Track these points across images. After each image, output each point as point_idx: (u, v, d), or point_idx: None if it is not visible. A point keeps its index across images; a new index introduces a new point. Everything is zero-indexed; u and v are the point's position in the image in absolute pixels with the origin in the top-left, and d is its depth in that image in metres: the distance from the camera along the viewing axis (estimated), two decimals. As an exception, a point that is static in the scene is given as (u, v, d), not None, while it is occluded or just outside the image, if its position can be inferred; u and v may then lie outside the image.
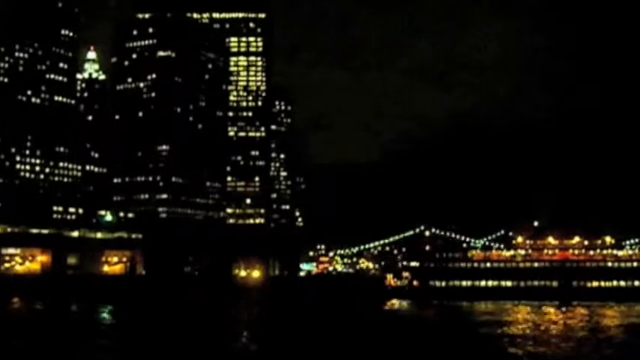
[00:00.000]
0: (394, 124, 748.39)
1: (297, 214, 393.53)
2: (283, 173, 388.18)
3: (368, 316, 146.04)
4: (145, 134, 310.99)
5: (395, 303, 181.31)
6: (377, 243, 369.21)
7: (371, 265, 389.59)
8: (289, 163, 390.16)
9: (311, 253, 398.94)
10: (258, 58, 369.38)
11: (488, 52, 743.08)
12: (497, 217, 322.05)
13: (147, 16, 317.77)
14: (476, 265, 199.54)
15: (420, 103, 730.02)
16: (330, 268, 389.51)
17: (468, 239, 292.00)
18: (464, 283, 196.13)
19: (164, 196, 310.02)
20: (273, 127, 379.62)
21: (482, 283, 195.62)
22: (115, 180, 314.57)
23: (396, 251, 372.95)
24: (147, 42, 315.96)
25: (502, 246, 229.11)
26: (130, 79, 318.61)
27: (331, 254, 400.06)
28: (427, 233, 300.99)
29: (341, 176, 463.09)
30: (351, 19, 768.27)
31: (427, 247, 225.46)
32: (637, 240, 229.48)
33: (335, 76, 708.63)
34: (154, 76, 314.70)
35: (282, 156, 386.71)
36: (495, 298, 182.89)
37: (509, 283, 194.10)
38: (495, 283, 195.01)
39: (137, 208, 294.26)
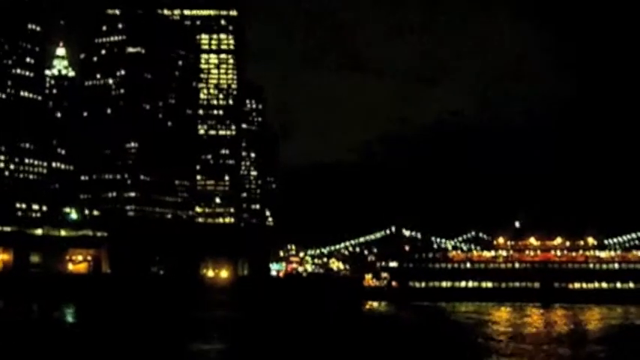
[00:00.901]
0: (367, 126, 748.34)
1: (268, 213, 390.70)
2: (254, 172, 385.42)
3: (346, 317, 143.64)
4: (114, 131, 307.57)
5: (373, 304, 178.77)
6: (347, 243, 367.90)
7: (341, 266, 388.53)
8: (260, 163, 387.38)
9: (281, 253, 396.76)
10: (230, 56, 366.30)
11: (469, 54, 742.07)
12: (468, 219, 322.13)
13: (116, 11, 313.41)
14: (456, 265, 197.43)
15: (395, 105, 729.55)
16: (301, 269, 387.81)
17: (439, 240, 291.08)
18: (444, 284, 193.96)
19: (132, 194, 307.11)
20: (244, 125, 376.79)
21: (463, 284, 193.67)
22: (82, 177, 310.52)
23: (366, 251, 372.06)
24: (116, 38, 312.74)
25: (479, 247, 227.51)
26: (98, 76, 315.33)
27: (301, 254, 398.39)
28: (402, 233, 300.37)
29: (312, 176, 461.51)
30: (330, 18, 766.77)
31: (406, 248, 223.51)
32: (619, 239, 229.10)
33: (308, 75, 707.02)
34: (123, 72, 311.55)
35: (252, 155, 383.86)
36: (476, 300, 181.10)
37: (490, 285, 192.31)
38: (476, 284, 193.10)
39: (104, 206, 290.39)
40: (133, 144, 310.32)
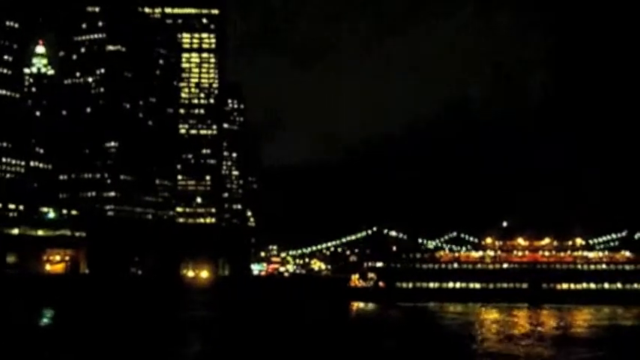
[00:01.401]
0: (350, 126, 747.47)
1: (249, 214, 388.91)
2: (235, 172, 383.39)
3: (332, 318, 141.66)
4: (93, 130, 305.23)
5: (360, 305, 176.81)
6: (329, 244, 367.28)
7: (323, 266, 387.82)
8: (241, 162, 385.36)
9: (262, 254, 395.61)
10: (211, 55, 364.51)
11: (451, 54, 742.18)
12: (451, 219, 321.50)
13: (96, 9, 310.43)
14: (444, 266, 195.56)
15: (377, 106, 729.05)
16: (282, 269, 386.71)
17: (421, 240, 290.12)
18: (431, 284, 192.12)
19: (112, 193, 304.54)
20: (226, 125, 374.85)
21: (451, 284, 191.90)
22: (61, 177, 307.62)
23: (348, 252, 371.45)
24: (96, 36, 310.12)
25: (463, 247, 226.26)
26: (78, 74, 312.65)
27: (283, 255, 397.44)
28: (383, 233, 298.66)
29: (293, 177, 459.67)
30: (311, 17, 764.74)
31: (393, 248, 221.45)
32: (605, 238, 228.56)
33: (290, 75, 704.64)
34: (102, 70, 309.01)
35: (234, 155, 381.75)
36: (464, 300, 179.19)
37: (477, 285, 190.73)
38: (464, 284, 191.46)
39: (83, 206, 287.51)
40: (112, 143, 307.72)
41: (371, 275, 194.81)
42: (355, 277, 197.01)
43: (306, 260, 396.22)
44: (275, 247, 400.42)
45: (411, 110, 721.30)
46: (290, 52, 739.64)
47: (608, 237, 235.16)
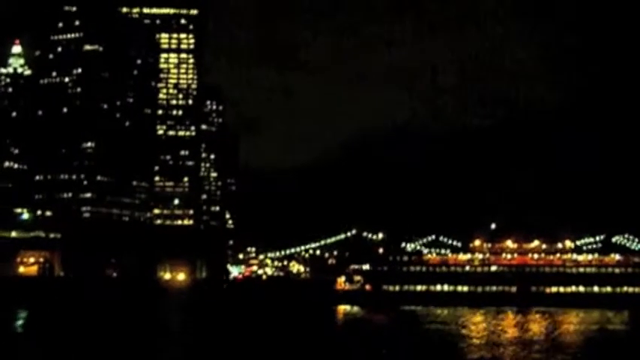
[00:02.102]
0: (329, 129, 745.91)
1: (228, 215, 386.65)
2: (213, 174, 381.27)
3: (318, 322, 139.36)
4: (70, 131, 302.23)
5: (346, 308, 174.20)
6: (308, 246, 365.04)
7: (302, 269, 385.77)
8: (220, 164, 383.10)
9: (241, 256, 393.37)
10: (190, 56, 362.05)
11: (431, 58, 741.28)
12: (429, 222, 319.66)
13: (73, 8, 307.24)
14: (431, 269, 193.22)
15: (357, 109, 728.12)
16: (260, 272, 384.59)
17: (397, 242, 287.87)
18: (419, 287, 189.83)
19: (88, 195, 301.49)
20: (204, 126, 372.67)
21: (438, 287, 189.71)
22: (37, 177, 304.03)
23: (327, 254, 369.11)
24: (73, 35, 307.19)
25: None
26: (54, 74, 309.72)
27: (261, 257, 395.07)
28: (362, 235, 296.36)
29: (272, 179, 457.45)
30: (292, 20, 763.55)
31: (380, 250, 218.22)
32: (592, 239, 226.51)
33: (269, 77, 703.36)
34: (79, 70, 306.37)
35: (212, 156, 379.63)
36: (452, 304, 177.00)
37: (465, 288, 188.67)
38: (452, 287, 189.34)
39: (58, 207, 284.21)
40: (89, 144, 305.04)
41: (357, 278, 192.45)
42: (341, 279, 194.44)
43: (285, 263, 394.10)
44: (253, 250, 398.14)
45: (390, 113, 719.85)
46: (267, 55, 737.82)
47: (596, 238, 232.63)
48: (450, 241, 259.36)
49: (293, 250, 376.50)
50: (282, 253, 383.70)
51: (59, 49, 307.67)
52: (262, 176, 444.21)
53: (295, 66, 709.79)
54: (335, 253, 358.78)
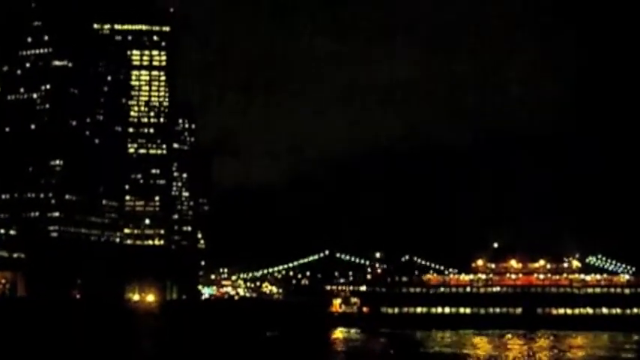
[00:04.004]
0: (302, 149, 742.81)
1: (200, 236, 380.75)
2: (185, 194, 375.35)
3: (313, 348, 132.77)
4: (38, 148, 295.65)
5: (342, 332, 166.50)
6: (281, 267, 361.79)
7: (275, 289, 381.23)
8: (192, 183, 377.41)
9: (213, 277, 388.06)
10: (161, 73, 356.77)
11: (409, 76, 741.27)
12: (403, 243, 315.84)
13: (42, 23, 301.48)
14: (432, 290, 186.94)
15: (331, 129, 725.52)
16: (232, 292, 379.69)
17: (370, 263, 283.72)
18: (419, 309, 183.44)
19: (56, 214, 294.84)
20: (176, 145, 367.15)
21: (439, 309, 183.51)
22: (3, 196, 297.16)
23: (300, 275, 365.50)
24: (41, 50, 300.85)
25: (455, 270, 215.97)
26: (22, 90, 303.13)
27: (234, 278, 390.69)
28: (335, 256, 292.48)
29: (245, 199, 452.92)
30: (264, 38, 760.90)
31: (378, 270, 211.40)
32: (599, 256, 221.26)
33: (243, 96, 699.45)
34: (48, 86, 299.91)
35: (184, 175, 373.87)
36: (453, 327, 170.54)
37: (468, 310, 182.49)
38: (453, 310, 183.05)
39: (23, 226, 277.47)
40: (57, 161, 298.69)
41: (354, 300, 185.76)
42: (337, 301, 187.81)
43: (258, 283, 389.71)
44: (226, 270, 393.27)
45: (365, 131, 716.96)
46: (241, 74, 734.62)
47: (604, 258, 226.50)
48: (423, 262, 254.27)
49: (266, 271, 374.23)
50: (255, 273, 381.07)
51: (27, 64, 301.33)
52: (235, 196, 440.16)
53: (268, 85, 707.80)
54: (308, 273, 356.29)
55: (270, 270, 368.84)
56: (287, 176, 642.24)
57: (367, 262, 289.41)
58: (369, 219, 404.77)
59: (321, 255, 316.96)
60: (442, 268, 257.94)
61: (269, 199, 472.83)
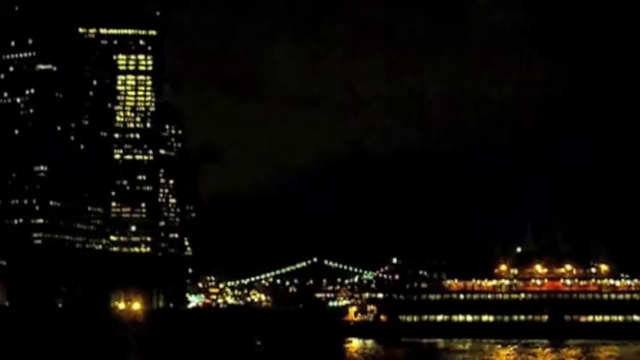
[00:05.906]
0: (289, 157, 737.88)
1: (186, 243, 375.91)
2: (172, 200, 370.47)
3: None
4: (21, 153, 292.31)
5: (357, 342, 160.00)
6: (268, 274, 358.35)
7: (262, 297, 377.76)
8: (179, 190, 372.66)
9: (200, 284, 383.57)
10: (148, 78, 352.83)
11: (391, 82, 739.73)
12: (391, 248, 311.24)
13: (26, 26, 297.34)
14: (453, 296, 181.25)
15: (316, 136, 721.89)
16: (220, 300, 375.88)
17: (359, 270, 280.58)
18: (439, 317, 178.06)
19: (40, 220, 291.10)
20: (162, 151, 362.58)
21: (460, 317, 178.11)
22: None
23: (287, 282, 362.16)
24: (25, 54, 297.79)
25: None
26: (6, 94, 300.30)
27: (221, 285, 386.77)
28: (323, 263, 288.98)
29: (232, 206, 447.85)
30: (251, 46, 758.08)
31: (396, 276, 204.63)
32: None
33: (230, 103, 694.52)
34: (32, 91, 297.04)
35: (171, 182, 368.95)
36: (475, 336, 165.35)
37: (491, 318, 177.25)
38: (475, 317, 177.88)
39: (8, 234, 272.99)
40: (42, 167, 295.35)
41: (371, 308, 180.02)
42: (352, 310, 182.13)
43: (245, 291, 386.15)
44: (213, 278, 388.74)
45: (352, 139, 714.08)
46: (225, 80, 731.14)
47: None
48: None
49: (253, 279, 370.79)
50: (243, 281, 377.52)
51: (11, 68, 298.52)
52: (222, 203, 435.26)
53: (255, 92, 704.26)
54: (295, 281, 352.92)
55: (258, 277, 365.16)
56: (275, 182, 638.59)
57: (355, 270, 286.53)
58: (363, 225, 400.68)
59: (309, 262, 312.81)
60: (462, 273, 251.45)
61: (256, 207, 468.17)
